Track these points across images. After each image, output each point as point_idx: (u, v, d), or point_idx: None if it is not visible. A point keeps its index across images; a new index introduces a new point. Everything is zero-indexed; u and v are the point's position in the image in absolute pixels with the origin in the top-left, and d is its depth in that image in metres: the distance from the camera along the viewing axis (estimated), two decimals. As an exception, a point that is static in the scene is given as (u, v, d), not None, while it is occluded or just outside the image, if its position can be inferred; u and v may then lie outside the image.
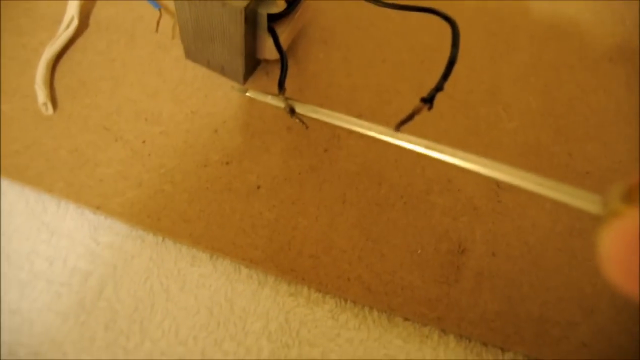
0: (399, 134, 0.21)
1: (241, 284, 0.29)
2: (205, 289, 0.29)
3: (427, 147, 0.21)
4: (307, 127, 0.26)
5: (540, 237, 0.31)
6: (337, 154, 0.32)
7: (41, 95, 0.31)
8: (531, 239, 0.31)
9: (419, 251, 0.30)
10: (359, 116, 0.34)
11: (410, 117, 0.21)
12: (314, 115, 0.26)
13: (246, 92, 0.30)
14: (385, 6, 0.28)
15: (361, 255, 0.29)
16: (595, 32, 0.39)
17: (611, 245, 0.12)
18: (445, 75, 0.20)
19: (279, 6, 0.29)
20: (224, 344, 0.28)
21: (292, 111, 0.26)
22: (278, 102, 0.28)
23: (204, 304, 0.28)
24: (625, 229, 0.12)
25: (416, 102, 0.35)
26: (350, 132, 0.33)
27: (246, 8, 0.27)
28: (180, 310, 0.28)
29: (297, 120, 0.27)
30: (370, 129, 0.23)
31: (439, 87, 0.21)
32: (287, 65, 0.30)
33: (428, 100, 0.21)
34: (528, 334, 0.29)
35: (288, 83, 0.34)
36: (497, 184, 0.32)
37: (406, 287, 0.29)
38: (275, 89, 0.34)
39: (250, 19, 0.28)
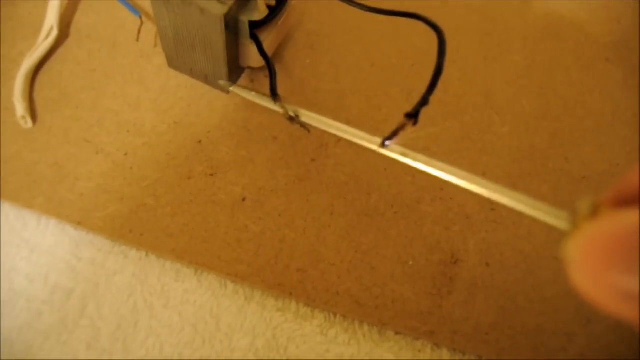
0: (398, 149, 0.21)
1: (227, 300, 0.28)
2: (190, 305, 0.28)
3: (414, 159, 0.20)
4: (309, 132, 0.25)
5: (536, 246, 0.30)
6: (324, 164, 0.31)
7: (20, 108, 0.30)
8: (527, 248, 0.30)
9: (410, 262, 0.29)
10: (348, 123, 0.33)
11: (394, 134, 0.20)
12: (313, 123, 0.25)
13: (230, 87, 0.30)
14: (371, 11, 0.27)
15: (350, 268, 0.28)
16: (590, 31, 0.38)
17: (576, 258, 0.12)
18: (431, 88, 0.19)
19: (261, 12, 0.28)
20: (209, 362, 0.27)
21: (291, 118, 0.25)
22: (264, 102, 0.27)
23: (189, 320, 0.28)
24: (588, 241, 0.12)
25: (407, 107, 0.34)
26: (339, 140, 0.32)
27: (226, 15, 0.26)
28: (165, 327, 0.27)
29: (299, 126, 0.26)
30: (361, 139, 0.22)
31: (424, 102, 0.20)
32: (275, 71, 0.29)
33: (413, 116, 0.20)
34: (524, 346, 0.28)
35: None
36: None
37: (397, 299, 0.28)
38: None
39: (231, 26, 0.27)
